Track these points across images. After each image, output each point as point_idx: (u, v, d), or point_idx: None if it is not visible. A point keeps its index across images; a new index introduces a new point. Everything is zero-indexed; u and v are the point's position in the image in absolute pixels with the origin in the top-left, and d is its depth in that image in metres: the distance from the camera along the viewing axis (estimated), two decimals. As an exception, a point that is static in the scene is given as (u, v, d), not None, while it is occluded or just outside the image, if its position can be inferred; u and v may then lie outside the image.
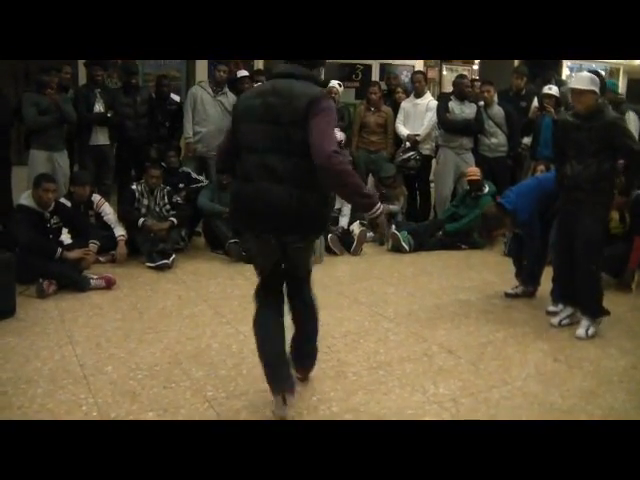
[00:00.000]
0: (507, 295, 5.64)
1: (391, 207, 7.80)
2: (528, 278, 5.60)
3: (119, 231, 6.38)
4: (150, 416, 3.38)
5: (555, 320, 4.98)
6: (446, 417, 3.47)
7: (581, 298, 4.82)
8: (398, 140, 8.27)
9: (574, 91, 4.64)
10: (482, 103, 7.82)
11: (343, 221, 7.41)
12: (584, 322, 4.75)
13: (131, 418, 3.36)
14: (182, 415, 3.40)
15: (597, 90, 4.55)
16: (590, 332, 4.71)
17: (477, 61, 11.58)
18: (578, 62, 11.80)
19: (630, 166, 4.72)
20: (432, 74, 10.99)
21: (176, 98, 7.72)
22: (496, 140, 7.84)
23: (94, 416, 3.36)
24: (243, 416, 3.41)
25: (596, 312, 4.79)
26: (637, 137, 6.58)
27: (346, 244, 7.17)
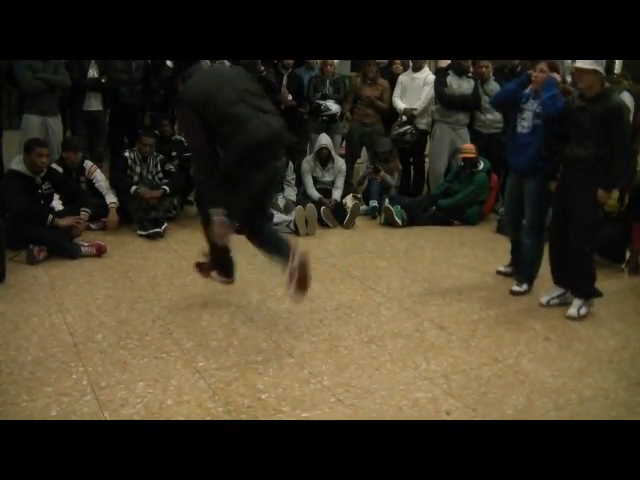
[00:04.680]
0: (499, 273, 5.64)
1: (387, 177, 7.77)
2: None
3: (111, 198, 6.33)
4: (140, 386, 3.37)
5: (544, 299, 4.98)
6: (437, 393, 3.48)
7: (574, 279, 4.81)
8: (394, 114, 8.21)
9: (576, 70, 4.56)
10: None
11: (336, 194, 7.37)
12: (576, 302, 4.75)
13: (121, 387, 3.34)
14: (172, 386, 3.39)
15: (601, 70, 4.43)
16: (582, 312, 4.70)
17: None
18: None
19: (614, 160, 4.50)
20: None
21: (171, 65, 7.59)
22: (491, 116, 7.78)
23: (84, 385, 3.35)
24: (234, 387, 3.41)
25: (588, 293, 4.78)
26: (631, 117, 6.59)
27: (339, 217, 7.14)
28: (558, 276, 4.97)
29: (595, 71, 4.42)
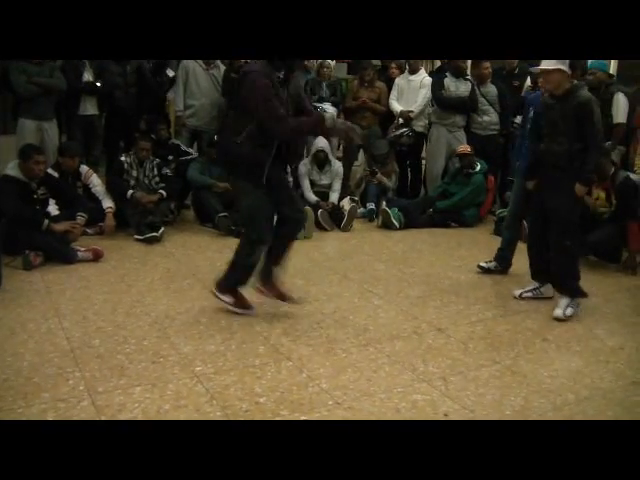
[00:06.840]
0: (480, 268, 5.66)
1: (385, 179, 7.78)
2: None
3: (107, 203, 6.31)
4: (138, 391, 3.35)
5: (517, 292, 5.02)
6: (435, 395, 3.47)
7: (557, 277, 4.79)
8: (391, 116, 8.21)
9: (541, 71, 4.63)
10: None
11: (333, 197, 7.38)
12: (562, 302, 4.70)
13: (119, 392, 3.33)
14: (170, 390, 3.38)
15: (565, 68, 4.46)
16: (567, 312, 4.65)
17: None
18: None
19: (588, 154, 4.54)
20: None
21: (170, 74, 7.56)
22: (488, 118, 7.78)
23: (81, 390, 3.34)
24: (232, 391, 3.39)
25: (573, 292, 4.73)
26: (625, 118, 6.60)
27: (336, 220, 7.14)
28: (535, 271, 5.00)
29: (560, 70, 4.46)
